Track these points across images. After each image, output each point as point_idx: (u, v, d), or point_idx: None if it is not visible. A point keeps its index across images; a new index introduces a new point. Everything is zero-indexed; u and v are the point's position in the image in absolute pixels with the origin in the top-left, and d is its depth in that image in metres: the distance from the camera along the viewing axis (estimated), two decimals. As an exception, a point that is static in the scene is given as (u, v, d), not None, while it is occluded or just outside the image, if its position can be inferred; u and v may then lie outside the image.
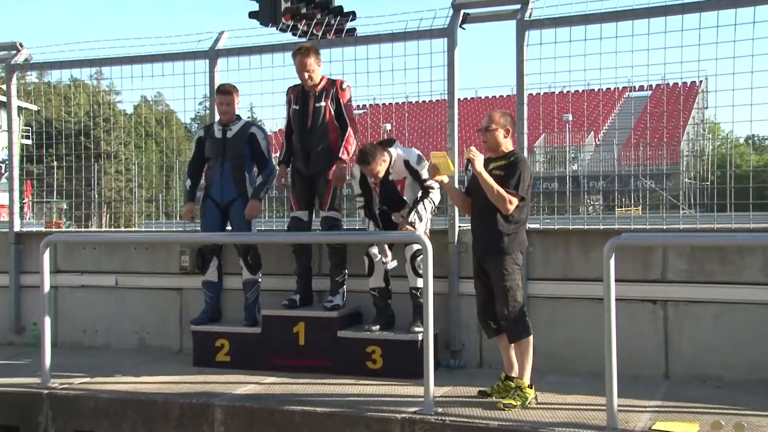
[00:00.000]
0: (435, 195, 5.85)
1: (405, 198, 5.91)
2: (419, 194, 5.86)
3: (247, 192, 6.39)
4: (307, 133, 6.20)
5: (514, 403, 4.79)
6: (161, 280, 7.23)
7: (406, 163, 5.85)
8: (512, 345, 5.03)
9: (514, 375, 5.04)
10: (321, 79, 6.23)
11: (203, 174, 6.63)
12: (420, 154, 5.93)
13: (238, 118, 6.52)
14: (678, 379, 5.56)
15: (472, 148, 4.88)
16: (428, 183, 5.78)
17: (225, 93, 6.44)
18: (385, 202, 5.97)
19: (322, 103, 6.17)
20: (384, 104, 8.82)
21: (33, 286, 6.99)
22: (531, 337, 4.96)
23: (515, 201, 4.86)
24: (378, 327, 5.91)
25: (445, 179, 5.05)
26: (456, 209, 6.12)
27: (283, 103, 6.51)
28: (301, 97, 6.24)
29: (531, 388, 4.90)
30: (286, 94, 6.41)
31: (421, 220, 5.70)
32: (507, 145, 5.06)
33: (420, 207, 5.74)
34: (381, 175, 5.78)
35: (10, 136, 7.83)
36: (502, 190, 4.82)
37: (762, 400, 4.90)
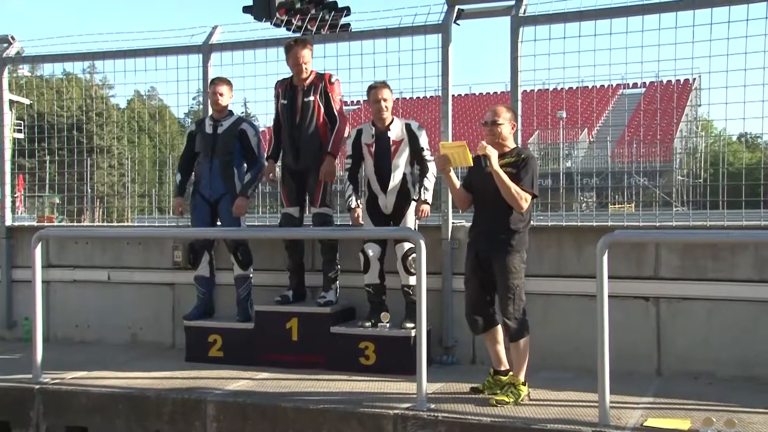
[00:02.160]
0: (432, 166, 5.85)
1: (395, 164, 5.89)
2: (418, 171, 5.96)
3: (236, 188, 6.37)
4: (295, 129, 6.16)
5: (507, 399, 4.79)
6: (154, 275, 7.21)
7: (408, 126, 5.89)
8: (510, 342, 5.00)
9: (503, 369, 5.04)
10: (309, 74, 6.20)
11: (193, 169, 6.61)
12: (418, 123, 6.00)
13: (230, 113, 6.49)
14: (670, 375, 5.58)
15: (485, 143, 4.84)
16: (424, 153, 5.86)
17: (219, 83, 6.42)
18: (376, 165, 5.92)
19: (311, 98, 6.13)
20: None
21: (25, 281, 6.97)
22: (528, 336, 4.97)
23: (529, 199, 4.87)
24: (370, 324, 5.90)
25: (453, 176, 5.02)
26: (450, 205, 6.13)
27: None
28: (289, 91, 6.20)
29: (525, 385, 4.91)
30: (274, 88, 6.38)
31: (431, 196, 5.82)
32: (511, 140, 5.06)
33: (426, 182, 5.81)
34: (382, 99, 5.76)
35: (2, 129, 7.79)
36: (519, 189, 4.79)
37: (753, 396, 4.92)
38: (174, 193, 6.74)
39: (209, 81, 6.65)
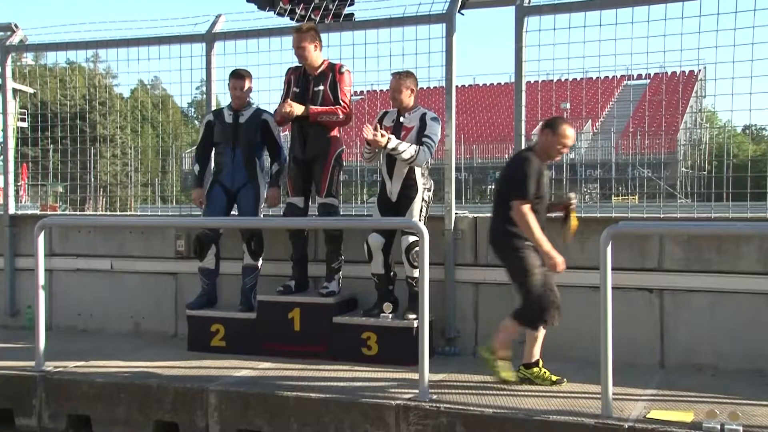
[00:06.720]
0: (423, 152, 5.71)
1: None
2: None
3: (257, 178, 6.40)
4: (304, 118, 6.15)
5: None
6: (156, 264, 7.21)
7: (423, 115, 5.85)
8: None
9: None
10: (322, 63, 6.19)
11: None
12: (437, 116, 5.94)
13: (249, 104, 6.48)
14: (673, 367, 5.57)
15: None
16: (425, 134, 5.78)
17: (238, 77, 6.39)
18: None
19: (321, 88, 6.11)
20: (382, 90, 8.79)
21: (28, 269, 6.98)
22: None
23: None
24: (378, 312, 5.87)
25: None
26: (453, 196, 6.11)
27: (279, 87, 6.45)
28: (302, 80, 6.19)
29: None
30: (286, 73, 6.34)
31: (395, 147, 5.62)
32: None
33: (403, 145, 5.68)
34: (402, 97, 5.80)
35: (5, 118, 7.79)
36: None
37: (757, 389, 4.90)
38: (193, 185, 6.67)
39: (229, 72, 6.57)
